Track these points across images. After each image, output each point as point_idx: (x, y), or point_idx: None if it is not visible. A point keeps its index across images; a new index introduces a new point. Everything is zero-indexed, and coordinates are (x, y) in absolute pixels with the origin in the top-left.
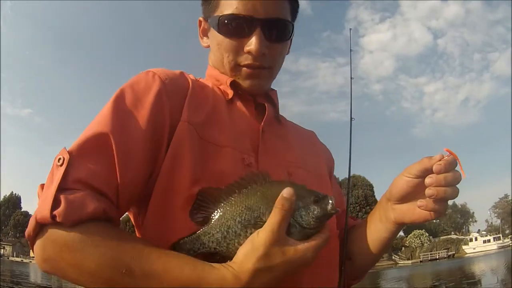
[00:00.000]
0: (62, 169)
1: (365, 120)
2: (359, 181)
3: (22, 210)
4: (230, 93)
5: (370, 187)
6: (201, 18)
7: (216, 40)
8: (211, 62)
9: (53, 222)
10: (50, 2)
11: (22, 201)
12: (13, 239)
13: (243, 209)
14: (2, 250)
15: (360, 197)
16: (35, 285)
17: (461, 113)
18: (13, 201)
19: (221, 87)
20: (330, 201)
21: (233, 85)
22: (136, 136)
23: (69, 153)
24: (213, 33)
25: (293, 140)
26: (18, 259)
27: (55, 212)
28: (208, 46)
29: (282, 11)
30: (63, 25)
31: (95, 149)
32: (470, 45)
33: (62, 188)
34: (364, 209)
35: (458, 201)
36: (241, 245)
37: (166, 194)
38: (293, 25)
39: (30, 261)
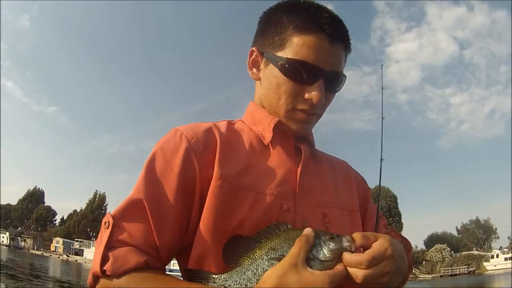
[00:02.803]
0: (108, 231)
1: (390, 130)
2: (383, 192)
3: (45, 204)
4: (269, 137)
5: (394, 198)
6: (254, 49)
7: (275, 80)
8: (258, 98)
9: (104, 275)
10: (79, 3)
11: (45, 196)
12: (35, 232)
13: (269, 249)
14: (23, 242)
15: (383, 209)
16: (54, 279)
17: (487, 126)
18: (37, 195)
19: (259, 129)
20: (345, 238)
21: (277, 127)
22: (167, 200)
23: (113, 217)
24: (272, 70)
25: (328, 178)
26: (39, 253)
27: (104, 268)
28: (258, 79)
29: (341, 64)
30: (91, 26)
31: (133, 214)
32: (496, 57)
33: (109, 247)
34: (387, 221)
35: (482, 216)
36: None
37: (204, 247)
38: (345, 78)
39: (50, 255)
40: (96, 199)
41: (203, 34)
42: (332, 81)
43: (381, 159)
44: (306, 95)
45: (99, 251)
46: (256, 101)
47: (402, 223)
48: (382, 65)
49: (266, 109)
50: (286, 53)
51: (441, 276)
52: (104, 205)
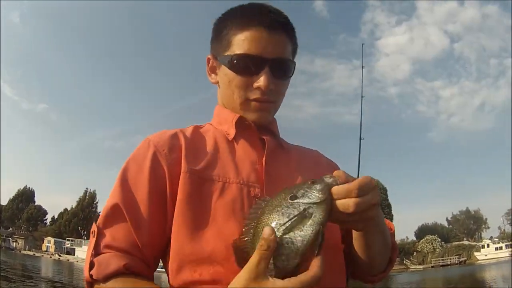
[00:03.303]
0: (94, 239)
1: (380, 122)
2: None
3: (36, 204)
4: (232, 133)
5: (384, 190)
6: (209, 56)
7: (227, 77)
8: (220, 99)
9: (92, 280)
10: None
11: (36, 195)
12: (26, 232)
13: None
14: (14, 243)
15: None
16: (46, 279)
17: (477, 119)
18: (27, 194)
19: (224, 128)
20: (326, 177)
21: (238, 122)
22: (141, 201)
23: (97, 226)
24: (224, 70)
25: (296, 165)
26: (30, 253)
27: (91, 273)
28: (217, 83)
29: (286, 51)
30: (81, 22)
31: (113, 219)
32: (486, 50)
33: (95, 253)
34: None
35: (472, 207)
36: None
37: (180, 240)
38: (294, 64)
39: (42, 255)
40: (87, 197)
41: (196, 29)
42: (278, 67)
43: (360, 138)
44: (255, 85)
45: (87, 258)
46: (219, 104)
47: (392, 215)
48: (363, 44)
49: (228, 108)
50: (232, 51)
51: (432, 267)
52: (95, 203)
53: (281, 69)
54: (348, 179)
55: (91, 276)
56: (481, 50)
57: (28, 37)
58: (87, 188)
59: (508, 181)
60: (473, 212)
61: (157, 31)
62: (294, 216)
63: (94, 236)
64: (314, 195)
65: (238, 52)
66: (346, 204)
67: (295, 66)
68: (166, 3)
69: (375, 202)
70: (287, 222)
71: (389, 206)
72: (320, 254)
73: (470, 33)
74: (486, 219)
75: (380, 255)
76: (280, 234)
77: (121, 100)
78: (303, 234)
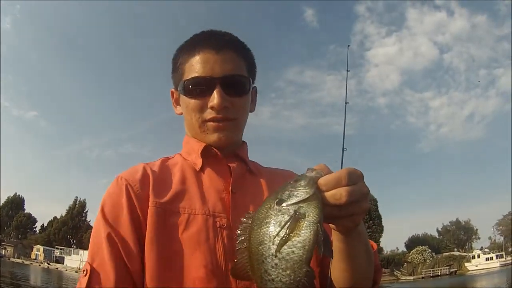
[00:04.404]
0: (86, 279)
1: (369, 133)
2: None
3: (25, 212)
4: (199, 163)
5: (374, 201)
6: (172, 89)
7: (185, 103)
8: (186, 129)
9: None
10: (59, 5)
11: (25, 203)
12: (15, 240)
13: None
14: (3, 251)
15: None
16: None
17: (466, 129)
18: (17, 202)
19: (192, 158)
20: (308, 170)
21: (205, 151)
22: (126, 232)
23: (90, 264)
24: (182, 98)
25: (266, 189)
26: (19, 261)
27: None
28: (181, 113)
29: (237, 68)
30: (72, 29)
31: (102, 254)
32: (476, 61)
33: None
34: (367, 224)
35: (462, 217)
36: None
37: (151, 274)
38: (250, 80)
39: (31, 263)
40: (77, 205)
41: (183, 36)
42: (229, 84)
43: (343, 149)
44: (209, 104)
45: None
46: (186, 133)
47: (382, 226)
48: (348, 46)
49: (193, 136)
50: (185, 77)
51: (422, 278)
52: (84, 211)
53: (234, 86)
54: (331, 171)
55: None
56: (470, 60)
57: (19, 43)
58: (76, 197)
59: (498, 192)
60: (463, 223)
61: (147, 40)
62: (286, 222)
63: (85, 275)
64: (301, 191)
65: (189, 77)
66: (338, 193)
67: (251, 81)
68: (157, 10)
69: (367, 190)
70: (280, 231)
71: (379, 217)
72: (328, 254)
73: (459, 44)
74: (476, 229)
75: (364, 271)
76: (277, 247)
77: (110, 109)
78: (302, 239)
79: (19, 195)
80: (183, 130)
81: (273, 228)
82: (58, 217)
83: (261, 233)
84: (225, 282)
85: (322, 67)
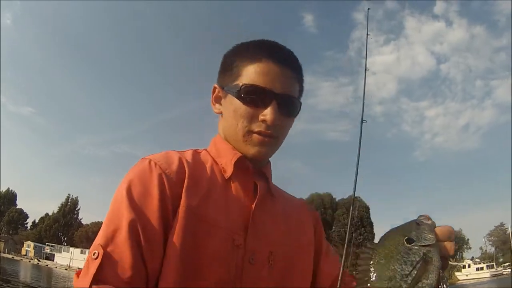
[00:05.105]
0: (97, 262)
1: (364, 141)
2: (355, 202)
3: (17, 207)
4: (230, 171)
5: (366, 209)
6: (216, 85)
7: (233, 107)
8: (221, 130)
9: None
10: (59, 3)
11: (17, 198)
12: (6, 235)
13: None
14: None
15: (355, 219)
16: (24, 284)
17: (461, 139)
18: (9, 197)
19: (222, 162)
20: (423, 217)
21: (238, 162)
22: (153, 226)
23: (103, 247)
24: (230, 100)
25: (281, 217)
26: (9, 256)
27: None
28: (220, 113)
29: (294, 89)
30: (71, 26)
31: (122, 243)
32: (472, 71)
33: (96, 279)
34: (358, 231)
35: (454, 227)
36: None
37: (169, 275)
38: (301, 104)
39: (21, 259)
40: (69, 203)
41: (181, 40)
42: (285, 104)
43: (362, 120)
44: (261, 117)
45: (85, 281)
46: (220, 134)
47: (374, 233)
48: (368, 9)
49: (229, 141)
50: (241, 81)
51: None
52: (76, 209)
53: (288, 106)
54: (433, 221)
55: None
56: (467, 71)
57: (19, 39)
58: (69, 194)
59: (490, 202)
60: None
61: (147, 39)
62: (417, 263)
63: (96, 259)
64: (428, 236)
65: (247, 83)
66: (449, 246)
67: (301, 106)
68: (161, 11)
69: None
70: (412, 271)
71: (371, 224)
72: None
73: (456, 54)
74: (468, 239)
75: None
76: (408, 285)
77: (106, 108)
78: (429, 282)
79: (11, 190)
80: (181, 131)
81: (404, 266)
82: (50, 214)
83: (391, 269)
84: None
85: (319, 73)
